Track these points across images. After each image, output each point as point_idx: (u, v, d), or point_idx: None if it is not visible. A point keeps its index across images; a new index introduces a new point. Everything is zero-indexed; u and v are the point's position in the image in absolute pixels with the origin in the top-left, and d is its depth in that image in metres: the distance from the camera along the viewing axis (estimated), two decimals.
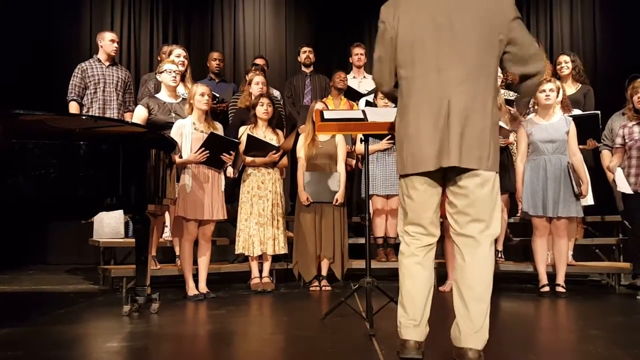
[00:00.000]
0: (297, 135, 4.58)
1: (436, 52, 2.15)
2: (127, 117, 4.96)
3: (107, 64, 5.00)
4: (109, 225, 4.72)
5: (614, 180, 4.26)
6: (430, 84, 2.15)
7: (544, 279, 4.10)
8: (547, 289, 4.06)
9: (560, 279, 4.08)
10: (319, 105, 4.38)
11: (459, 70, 2.13)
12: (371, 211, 4.60)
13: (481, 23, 2.13)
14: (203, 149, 3.87)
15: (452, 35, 2.14)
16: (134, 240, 3.44)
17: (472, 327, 2.11)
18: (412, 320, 2.21)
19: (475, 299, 2.13)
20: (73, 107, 4.91)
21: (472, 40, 2.13)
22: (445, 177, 2.21)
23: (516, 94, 5.00)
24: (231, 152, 4.00)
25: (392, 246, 4.76)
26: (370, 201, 4.25)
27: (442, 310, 3.02)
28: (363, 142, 3.30)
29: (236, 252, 4.44)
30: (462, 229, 2.20)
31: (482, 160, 2.12)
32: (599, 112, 4.67)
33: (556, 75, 5.02)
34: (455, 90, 2.12)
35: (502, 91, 5.06)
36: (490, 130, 2.14)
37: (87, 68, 4.94)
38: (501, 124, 4.51)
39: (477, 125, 2.11)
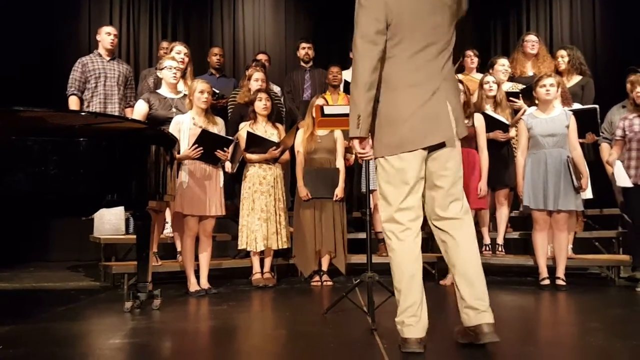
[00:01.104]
0: (297, 130, 4.58)
1: (429, 28, 2.18)
2: (127, 112, 4.92)
3: (107, 58, 4.96)
4: (110, 221, 4.72)
5: (613, 174, 4.26)
6: (422, 60, 2.19)
7: (544, 272, 4.12)
8: (547, 282, 4.08)
9: (560, 272, 4.09)
10: (319, 101, 4.37)
11: (442, 46, 2.21)
12: (372, 206, 4.60)
13: None
14: (196, 145, 3.87)
15: (436, 11, 2.19)
16: (134, 236, 3.44)
17: (482, 303, 2.17)
18: (414, 317, 2.21)
19: (477, 274, 2.19)
20: (73, 102, 4.84)
21: (448, 15, 2.22)
22: (427, 160, 2.23)
23: (522, 85, 4.97)
24: (225, 149, 3.98)
25: None
26: (371, 196, 4.25)
27: (442, 303, 3.03)
28: None
29: (239, 248, 4.45)
30: (445, 211, 2.23)
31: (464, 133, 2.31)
32: (597, 106, 4.66)
33: (556, 69, 5.01)
34: (443, 66, 2.21)
35: (509, 84, 5.04)
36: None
37: (87, 62, 4.89)
38: (501, 118, 4.51)
39: (458, 99, 2.31)
